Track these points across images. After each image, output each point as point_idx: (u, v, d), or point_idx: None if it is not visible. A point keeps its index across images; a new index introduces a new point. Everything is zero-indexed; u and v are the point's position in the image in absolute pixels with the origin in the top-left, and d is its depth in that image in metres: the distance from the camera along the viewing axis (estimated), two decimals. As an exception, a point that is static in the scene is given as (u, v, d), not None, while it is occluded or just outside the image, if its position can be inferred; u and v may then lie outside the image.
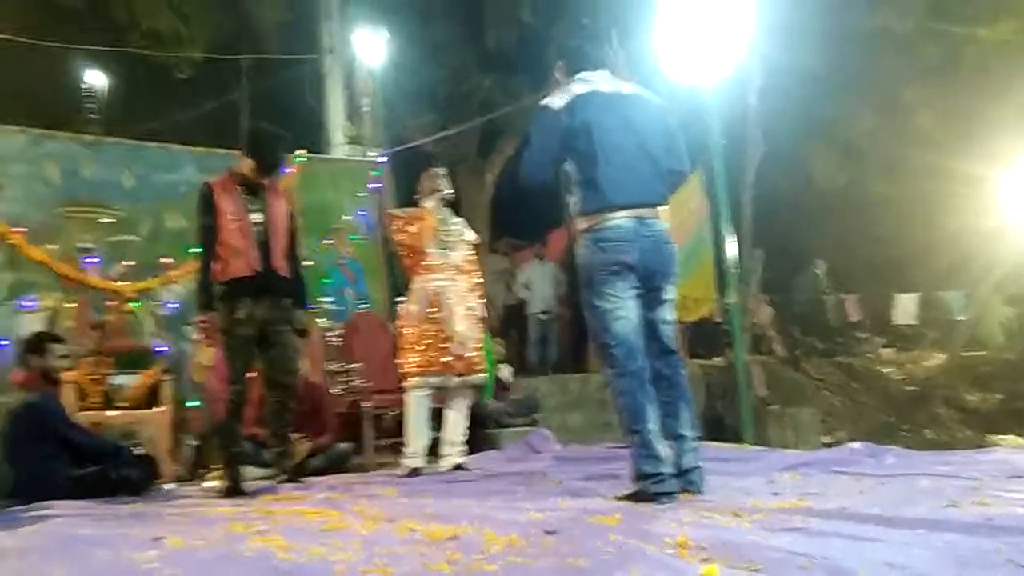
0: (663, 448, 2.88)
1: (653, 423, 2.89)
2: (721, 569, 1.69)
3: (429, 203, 4.57)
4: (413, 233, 4.46)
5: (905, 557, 1.72)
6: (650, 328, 3.02)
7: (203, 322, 4.02)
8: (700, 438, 3.06)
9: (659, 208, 3.07)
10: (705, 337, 8.45)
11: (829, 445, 6.42)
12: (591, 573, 1.74)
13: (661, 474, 2.83)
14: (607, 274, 2.94)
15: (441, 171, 4.73)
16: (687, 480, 2.93)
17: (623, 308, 2.94)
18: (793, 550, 1.84)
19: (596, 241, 2.96)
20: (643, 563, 1.79)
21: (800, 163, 10.95)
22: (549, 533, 2.24)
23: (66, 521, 3.08)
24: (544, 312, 9.17)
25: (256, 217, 4.09)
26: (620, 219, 2.94)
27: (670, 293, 3.06)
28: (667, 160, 3.10)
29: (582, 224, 3.02)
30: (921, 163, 9.53)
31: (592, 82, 3.08)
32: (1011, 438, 8.11)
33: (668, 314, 3.06)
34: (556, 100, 3.03)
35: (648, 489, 2.82)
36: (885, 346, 11.01)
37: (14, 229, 5.75)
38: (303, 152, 7.01)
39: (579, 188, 3.02)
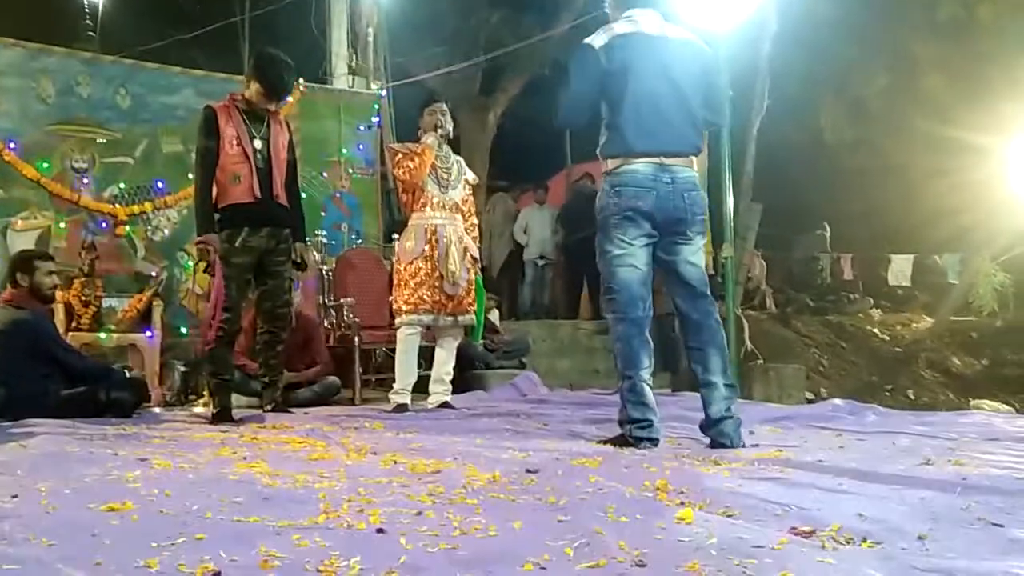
0: (652, 395, 2.91)
1: (646, 370, 2.92)
2: (697, 513, 1.72)
3: (430, 139, 4.51)
4: (411, 169, 4.40)
5: (879, 510, 1.74)
6: (674, 271, 2.99)
7: (201, 243, 3.99)
8: (733, 386, 2.95)
9: (690, 157, 3.02)
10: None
11: (811, 401, 6.50)
12: (569, 511, 1.76)
13: (647, 420, 2.87)
14: (620, 219, 2.92)
15: (443, 106, 4.63)
16: (718, 431, 2.84)
17: (631, 255, 2.92)
18: (769, 498, 1.88)
19: (613, 186, 2.94)
20: (620, 503, 1.82)
21: (808, 117, 10.83)
22: (531, 472, 2.27)
23: (54, 438, 3.11)
24: (541, 257, 9.16)
25: (258, 144, 4.04)
26: (639, 165, 2.91)
27: (696, 237, 3.01)
28: (704, 111, 3.05)
29: (604, 167, 3.01)
30: (928, 127, 9.43)
31: (637, 22, 3.01)
32: (991, 403, 8.22)
33: (692, 256, 3.00)
34: (598, 39, 2.97)
35: (632, 433, 2.86)
36: (876, 307, 11.07)
37: (7, 145, 5.67)
38: (303, 81, 6.89)
39: (606, 130, 3.00)
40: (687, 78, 3.02)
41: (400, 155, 4.48)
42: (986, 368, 9.49)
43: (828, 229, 10.93)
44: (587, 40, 3.00)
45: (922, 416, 3.92)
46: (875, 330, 10.22)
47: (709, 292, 3.04)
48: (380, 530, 1.62)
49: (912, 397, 8.77)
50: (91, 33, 11.48)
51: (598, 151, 3.05)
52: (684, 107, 3.00)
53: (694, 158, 3.04)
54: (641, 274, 2.95)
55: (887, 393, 8.60)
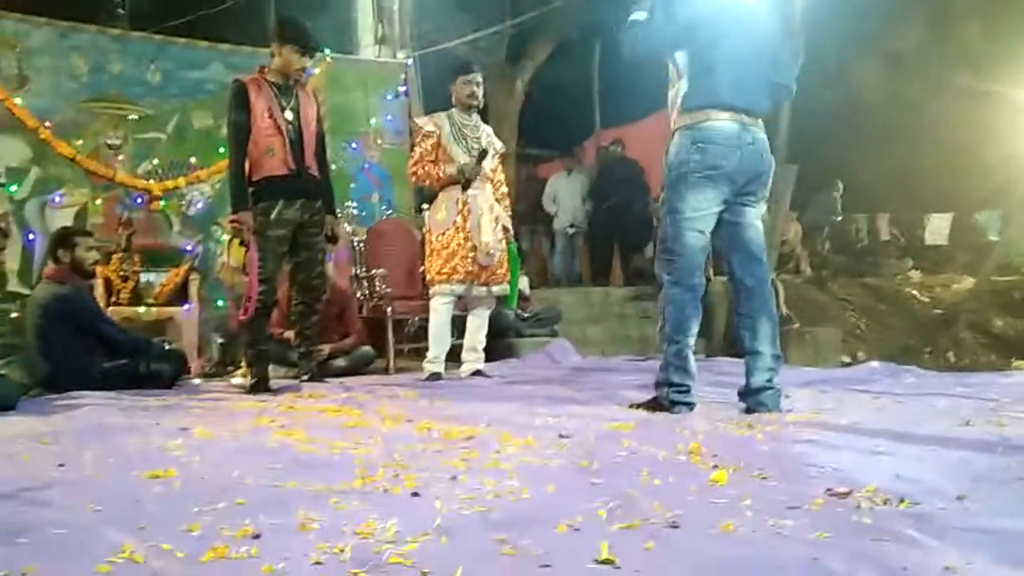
0: (694, 363, 2.89)
1: (692, 338, 2.89)
2: (730, 475, 1.72)
3: (453, 115, 4.48)
4: (420, 176, 4.52)
5: (917, 471, 1.73)
6: (737, 233, 2.92)
7: (235, 221, 4.02)
8: (779, 357, 2.88)
9: (760, 119, 2.94)
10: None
11: (848, 365, 6.43)
12: (602, 474, 1.77)
13: (685, 385, 2.85)
14: (700, 177, 2.82)
15: (477, 76, 4.55)
16: (756, 400, 2.79)
17: (702, 220, 2.85)
18: (804, 460, 1.87)
19: (695, 140, 2.83)
20: (653, 466, 1.82)
21: (843, 75, 10.56)
22: (564, 437, 2.28)
23: (97, 409, 3.19)
24: (571, 226, 9.10)
25: (288, 116, 4.05)
26: (725, 122, 2.82)
27: (761, 201, 2.95)
28: (775, 73, 2.97)
29: (682, 120, 2.89)
30: (966, 81, 9.15)
31: None
32: (1036, 366, 8.05)
33: (755, 219, 2.94)
34: None
35: (669, 396, 2.84)
36: (914, 268, 10.86)
37: (43, 123, 5.76)
38: (329, 52, 6.89)
39: (687, 81, 2.87)
40: (764, 40, 2.94)
41: (422, 137, 4.50)
42: (1029, 329, 9.28)
43: (841, 188, 10.63)
44: None
45: (962, 377, 3.85)
46: (914, 292, 10.01)
47: (764, 258, 2.97)
48: (415, 494, 1.65)
49: (952, 359, 8.62)
50: (120, 10, 11.56)
51: (674, 103, 2.92)
52: (761, 68, 2.92)
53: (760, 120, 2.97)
54: (705, 240, 2.89)
55: (927, 356, 8.45)
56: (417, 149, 4.56)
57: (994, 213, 10.52)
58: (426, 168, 4.48)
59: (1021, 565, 1.14)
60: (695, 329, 2.88)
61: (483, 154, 4.42)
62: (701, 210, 2.84)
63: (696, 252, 2.88)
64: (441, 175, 4.45)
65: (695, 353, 2.96)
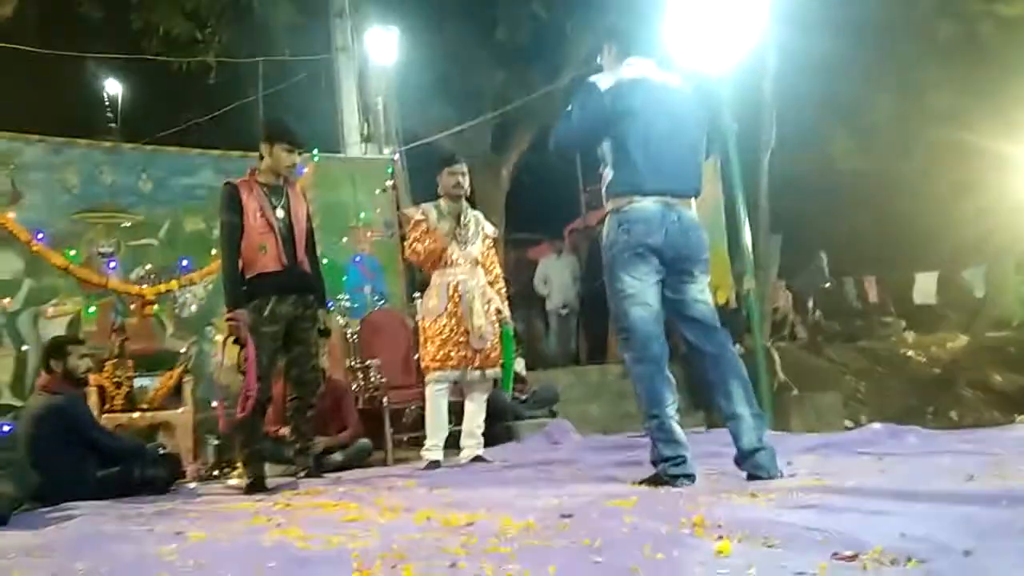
0: (681, 431, 2.88)
1: (671, 407, 2.89)
2: (735, 544, 1.69)
3: (445, 226, 4.55)
4: (419, 253, 4.52)
5: (922, 529, 1.70)
6: (683, 309, 2.99)
7: (231, 319, 4.04)
8: (761, 416, 2.90)
9: (691, 199, 3.06)
10: (723, 324, 8.39)
11: (850, 429, 6.36)
12: (605, 551, 1.74)
13: (680, 456, 2.83)
14: (630, 255, 2.93)
15: (462, 167, 4.66)
16: (753, 463, 2.78)
17: (643, 294, 2.93)
18: (809, 525, 1.83)
19: (621, 223, 2.96)
20: (657, 541, 1.79)
21: (818, 148, 10.85)
22: (565, 517, 2.24)
23: (91, 519, 3.12)
24: (564, 306, 9.15)
25: (280, 214, 4.12)
26: (647, 203, 2.94)
27: (700, 276, 3.03)
28: (700, 153, 3.12)
29: (610, 205, 3.04)
30: (941, 142, 9.40)
31: (640, 68, 3.07)
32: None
33: (699, 294, 3.01)
34: (604, 80, 3.03)
35: (667, 471, 2.81)
36: (907, 329, 10.89)
37: (35, 236, 5.84)
38: (317, 152, 7.06)
39: (612, 169, 3.03)
40: (690, 122, 3.09)
41: (413, 225, 4.56)
42: (1028, 383, 9.25)
43: (824, 258, 10.86)
44: (593, 79, 3.06)
45: (965, 434, 3.83)
46: (910, 353, 10.03)
47: (719, 326, 3.02)
48: (414, 583, 1.61)
49: (956, 418, 8.56)
50: (112, 124, 11.88)
51: (603, 191, 3.08)
52: (686, 150, 3.06)
53: (694, 199, 3.08)
54: (654, 312, 2.94)
55: (929, 416, 8.39)
56: (411, 234, 4.62)
57: (978, 270, 10.65)
58: (423, 245, 4.51)
59: (1031, 616, 1.11)
60: (671, 398, 2.89)
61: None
62: (639, 285, 2.92)
63: (647, 323, 2.92)
64: (436, 239, 4.48)
65: (696, 427, 2.95)
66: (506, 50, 10.88)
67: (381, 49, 8.29)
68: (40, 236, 5.86)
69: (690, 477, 2.81)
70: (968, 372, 9.42)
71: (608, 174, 3.05)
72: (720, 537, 1.80)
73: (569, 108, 3.10)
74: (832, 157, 11.00)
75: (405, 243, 4.70)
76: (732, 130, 6.26)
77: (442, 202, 4.63)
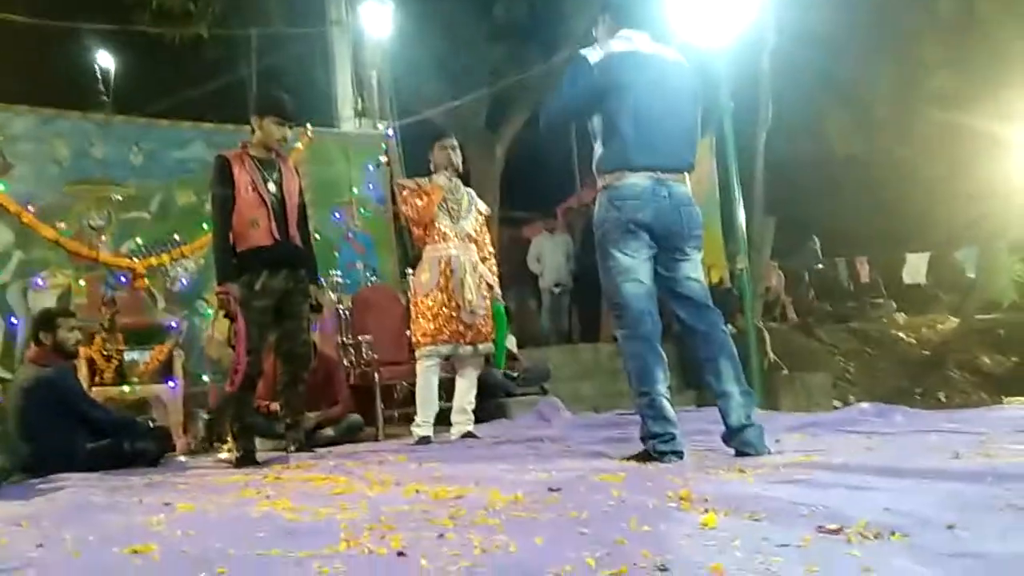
0: (671, 409, 2.89)
1: (662, 384, 2.89)
2: (721, 518, 1.70)
3: (440, 179, 4.55)
4: (419, 207, 4.45)
5: (906, 504, 1.71)
6: (675, 287, 2.98)
7: (222, 293, 4.01)
8: (749, 393, 2.91)
9: (684, 174, 3.04)
10: (716, 303, 8.41)
11: (840, 409, 6.40)
12: (592, 524, 1.74)
13: (669, 433, 2.83)
14: (621, 232, 2.91)
15: (452, 141, 4.66)
16: (740, 440, 2.80)
17: (635, 270, 2.92)
18: (795, 500, 1.84)
19: (612, 199, 2.94)
20: (643, 514, 1.80)
21: (814, 127, 10.84)
22: (553, 490, 2.25)
23: (79, 490, 3.13)
24: (556, 285, 9.15)
25: (271, 188, 4.09)
26: (637, 178, 2.91)
27: (693, 253, 3.01)
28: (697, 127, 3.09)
29: (601, 181, 3.02)
30: (937, 122, 9.38)
31: (632, 41, 3.04)
32: (1025, 399, 8.05)
33: (692, 271, 3.00)
34: (594, 54, 2.99)
35: (655, 448, 2.82)
36: (899, 310, 10.94)
37: (25, 208, 5.79)
38: (311, 127, 7.00)
39: (601, 145, 3.01)
40: (683, 96, 3.06)
41: (407, 191, 4.53)
42: (1017, 365, 9.31)
43: (817, 241, 10.91)
44: (584, 52, 3.03)
45: (952, 413, 3.85)
46: (900, 334, 10.07)
47: (711, 304, 3.02)
48: (401, 553, 1.61)
49: (944, 399, 8.62)
50: (104, 98, 11.76)
51: (594, 166, 3.06)
52: (679, 124, 3.03)
53: (687, 174, 3.06)
54: (646, 288, 2.93)
55: (918, 397, 8.45)
56: (408, 199, 4.56)
57: (971, 250, 10.68)
58: (420, 202, 4.47)
59: (1011, 587, 1.12)
60: (662, 375, 2.88)
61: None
62: (631, 261, 2.91)
63: (639, 300, 2.91)
64: (432, 191, 4.45)
65: (686, 405, 2.96)
66: (503, 26, 10.80)
67: (376, 22, 8.20)
68: (30, 208, 5.81)
69: (679, 454, 2.82)
70: (957, 354, 9.47)
71: (598, 149, 3.02)
72: (706, 511, 1.81)
73: (560, 82, 3.08)
74: (827, 137, 11.00)
75: (403, 208, 4.66)
76: (728, 108, 6.24)
77: (436, 177, 4.61)
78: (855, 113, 10.97)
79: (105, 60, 12.06)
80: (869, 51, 10.21)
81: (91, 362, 5.31)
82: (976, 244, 10.58)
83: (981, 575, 1.18)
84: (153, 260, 6.13)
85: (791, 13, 8.50)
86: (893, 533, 1.50)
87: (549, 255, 9.18)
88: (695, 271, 3.02)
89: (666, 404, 2.87)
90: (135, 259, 6.09)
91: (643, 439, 2.90)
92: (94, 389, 5.08)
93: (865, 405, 4.11)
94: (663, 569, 1.35)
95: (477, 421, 4.69)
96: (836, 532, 1.54)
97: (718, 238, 6.94)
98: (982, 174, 9.46)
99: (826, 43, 9.66)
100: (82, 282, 5.89)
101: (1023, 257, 10.57)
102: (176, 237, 6.26)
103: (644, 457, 2.85)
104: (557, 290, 9.15)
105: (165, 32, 9.75)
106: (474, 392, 4.63)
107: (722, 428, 2.93)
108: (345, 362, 5.52)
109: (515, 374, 6.10)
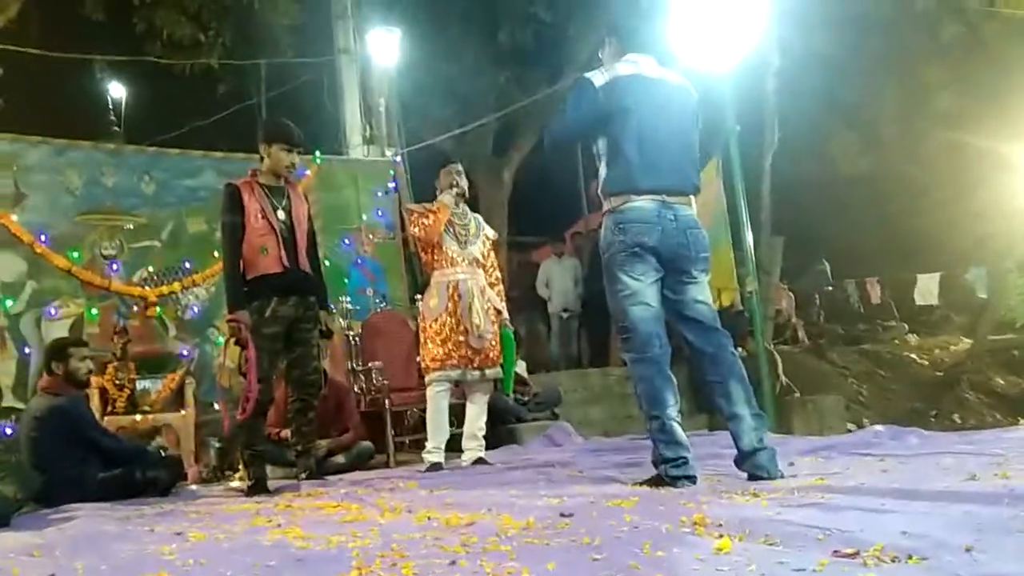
0: (683, 432, 2.87)
1: (672, 408, 2.87)
2: (735, 543, 1.68)
3: (446, 198, 4.58)
4: (427, 226, 4.47)
5: (923, 526, 1.69)
6: (683, 310, 2.97)
7: (233, 320, 4.02)
8: (761, 416, 2.88)
9: (690, 197, 3.04)
10: (727, 326, 8.38)
11: (853, 432, 6.35)
12: (605, 549, 1.73)
13: (681, 458, 2.81)
14: (627, 255, 2.91)
15: (457, 167, 4.72)
16: (753, 464, 2.77)
17: (642, 293, 2.91)
18: (810, 524, 1.83)
19: (618, 223, 2.94)
20: (657, 539, 1.78)
21: (820, 148, 10.86)
22: (565, 516, 2.24)
23: (92, 520, 3.13)
24: (565, 310, 9.14)
25: (281, 215, 4.12)
26: (642, 202, 2.92)
27: (700, 276, 3.00)
28: (696, 148, 3.09)
29: (606, 205, 3.02)
30: (943, 142, 9.39)
31: (638, 64, 3.06)
32: (1041, 421, 7.97)
33: (699, 294, 2.99)
34: (599, 77, 3.01)
35: (668, 473, 2.80)
36: (911, 331, 10.88)
37: (38, 237, 5.85)
38: (319, 154, 7.07)
39: (606, 168, 3.01)
40: (686, 119, 3.07)
41: (416, 214, 4.56)
42: (1031, 386, 9.25)
43: (827, 264, 10.90)
44: (588, 75, 3.04)
45: (967, 435, 3.82)
46: (913, 356, 10.01)
47: (719, 326, 3.00)
48: (413, 581, 1.61)
49: (959, 420, 8.54)
50: (116, 128, 11.92)
51: (599, 190, 3.07)
52: (684, 147, 3.04)
53: (693, 197, 3.07)
54: (654, 311, 2.92)
55: (932, 419, 8.38)
56: (417, 221, 4.57)
57: (981, 270, 10.64)
58: (427, 220, 4.47)
59: (1031, 611, 1.11)
60: (672, 399, 2.86)
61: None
62: (638, 285, 2.90)
63: (647, 323, 2.90)
64: (439, 209, 4.46)
65: (699, 429, 2.94)
66: (508, 52, 10.89)
67: (383, 50, 8.30)
68: (43, 238, 5.87)
69: (691, 478, 2.79)
70: (971, 375, 9.40)
71: (603, 172, 3.03)
72: (720, 535, 1.80)
73: (564, 105, 3.10)
74: (834, 158, 11.01)
75: (411, 229, 4.68)
76: (734, 131, 6.26)
77: (442, 197, 4.63)
78: (861, 134, 10.99)
79: (116, 90, 12.25)
80: (873, 73, 10.26)
81: (103, 391, 5.34)
82: (984, 264, 10.54)
83: (1000, 599, 1.17)
84: (164, 288, 6.17)
85: (795, 35, 8.55)
86: (910, 557, 1.48)
87: (558, 280, 9.17)
88: (702, 294, 3.01)
89: (677, 428, 2.85)
90: (147, 287, 6.12)
91: (655, 463, 2.88)
92: (106, 418, 5.10)
93: (879, 427, 4.07)
94: (678, 595, 1.34)
95: (488, 447, 4.67)
96: (852, 556, 1.53)
97: (728, 261, 6.93)
98: (988, 193, 9.45)
99: (830, 65, 9.70)
100: (95, 311, 5.93)
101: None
102: (187, 265, 6.31)
103: (656, 482, 2.83)
104: (566, 315, 9.13)
105: (176, 62, 9.88)
106: (484, 418, 4.61)
107: (734, 452, 2.91)
108: (355, 389, 5.52)
109: (525, 399, 6.08)
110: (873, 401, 8.75)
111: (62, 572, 2.02)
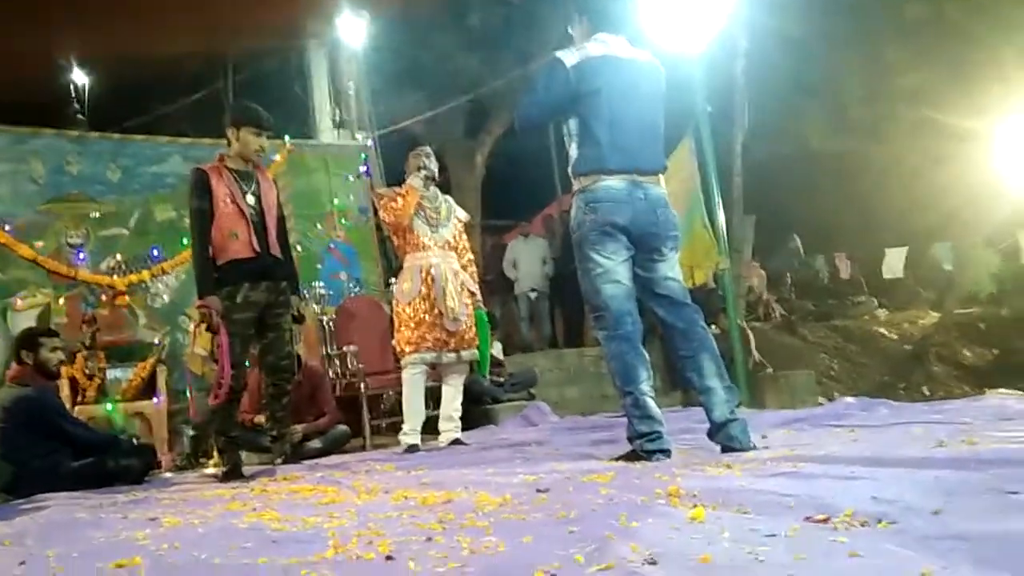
0: (656, 407, 2.89)
1: (645, 383, 2.89)
2: (709, 512, 1.70)
3: (415, 181, 4.56)
4: (396, 209, 4.44)
5: (892, 491, 1.72)
6: (653, 287, 2.99)
7: (203, 307, 3.98)
8: (732, 388, 2.92)
9: (659, 176, 3.06)
10: (700, 304, 8.44)
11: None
12: (580, 522, 1.74)
13: (655, 432, 2.84)
14: (598, 234, 2.92)
15: (426, 149, 4.70)
16: (725, 435, 2.82)
17: (613, 272, 2.92)
18: (781, 492, 1.85)
19: (588, 202, 2.95)
20: (632, 511, 1.80)
21: (790, 128, 10.93)
22: (541, 491, 2.25)
23: (63, 508, 3.08)
24: (532, 290, 9.10)
25: (250, 200, 4.06)
26: (613, 181, 2.92)
27: (670, 253, 3.02)
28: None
29: (576, 184, 3.02)
30: (909, 119, 9.50)
31: (608, 44, 3.05)
32: (1007, 391, 8.13)
33: (669, 271, 3.01)
34: (570, 56, 2.99)
35: (642, 447, 2.83)
36: (880, 306, 11.05)
37: (2, 227, 5.74)
38: (289, 139, 6.99)
39: (577, 148, 3.02)
40: (655, 99, 3.08)
41: (385, 198, 4.53)
42: (997, 358, 9.42)
43: (798, 240, 11.00)
44: (559, 54, 3.03)
45: (936, 405, 3.89)
46: (882, 330, 10.18)
47: (689, 302, 3.03)
48: (389, 557, 1.60)
49: (927, 393, 8.70)
50: (80, 116, 11.67)
51: (569, 170, 3.07)
52: (653, 127, 3.06)
53: (661, 176, 3.08)
54: (625, 288, 2.94)
55: (901, 391, 8.53)
56: (387, 204, 4.55)
57: (947, 244, 10.81)
58: (396, 204, 4.46)
59: (995, 566, 1.14)
60: (645, 374, 2.89)
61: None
62: (609, 263, 2.92)
63: (619, 301, 2.92)
64: (408, 192, 4.45)
65: (672, 406, 2.97)
66: (478, 35, 10.82)
67: (352, 35, 8.21)
68: (7, 227, 5.75)
69: (666, 452, 2.82)
70: (939, 348, 9.58)
71: (574, 152, 3.03)
72: (694, 505, 1.81)
73: (535, 83, 3.09)
74: (803, 137, 11.10)
75: (381, 214, 4.65)
76: (706, 112, 6.28)
77: (410, 179, 4.61)
78: (830, 113, 11.08)
79: (80, 76, 11.98)
80: (840, 52, 10.33)
81: (73, 381, 5.26)
82: (950, 238, 10.72)
83: (966, 556, 1.19)
84: (133, 277, 6.09)
85: (761, 18, 8.59)
86: (880, 521, 1.51)
87: (524, 260, 9.10)
88: (672, 270, 3.04)
89: (651, 403, 2.88)
90: (115, 276, 6.04)
91: (630, 439, 2.91)
92: (76, 408, 5.04)
93: (850, 400, 4.14)
94: (652, 562, 1.35)
95: (464, 428, 4.68)
96: (823, 522, 1.55)
97: (704, 239, 6.94)
98: (955, 168, 9.57)
99: (798, 46, 9.76)
100: (61, 301, 5.84)
101: (1000, 249, 10.70)
102: (155, 253, 6.22)
103: (632, 457, 2.86)
104: (534, 295, 9.10)
105: (139, 50, 9.68)
106: (460, 399, 4.62)
107: (707, 425, 2.94)
108: (331, 373, 5.50)
109: (501, 380, 6.10)
110: (844, 375, 8.89)
111: (33, 560, 1.99)
